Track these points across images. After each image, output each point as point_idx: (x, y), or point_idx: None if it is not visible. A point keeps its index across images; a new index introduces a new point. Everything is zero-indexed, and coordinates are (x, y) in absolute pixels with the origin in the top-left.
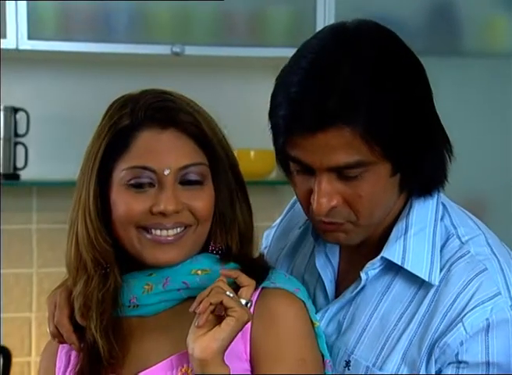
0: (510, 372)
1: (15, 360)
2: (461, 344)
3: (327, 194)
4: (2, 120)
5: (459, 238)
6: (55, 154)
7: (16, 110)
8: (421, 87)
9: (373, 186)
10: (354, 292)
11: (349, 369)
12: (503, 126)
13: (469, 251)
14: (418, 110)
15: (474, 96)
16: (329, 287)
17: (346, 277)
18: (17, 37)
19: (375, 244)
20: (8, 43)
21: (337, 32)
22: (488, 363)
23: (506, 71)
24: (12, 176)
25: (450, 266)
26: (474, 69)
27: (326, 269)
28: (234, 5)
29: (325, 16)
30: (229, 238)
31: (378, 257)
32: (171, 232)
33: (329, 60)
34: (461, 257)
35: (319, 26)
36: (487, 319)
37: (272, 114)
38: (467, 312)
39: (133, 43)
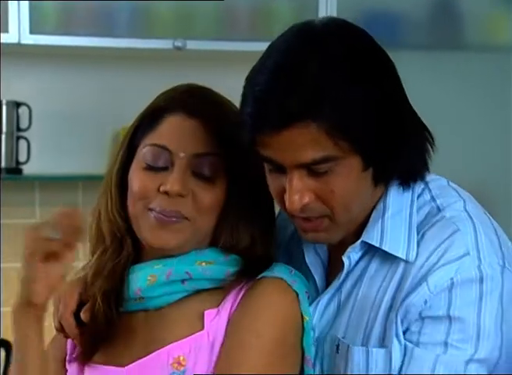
0: (471, 328)
1: None
2: (425, 302)
3: (298, 191)
4: (4, 115)
5: (438, 209)
6: (58, 148)
7: (18, 105)
8: (388, 82)
9: (344, 181)
10: (341, 279)
11: (338, 353)
12: (503, 118)
13: (444, 216)
14: (386, 105)
15: (474, 89)
16: (319, 281)
17: (334, 269)
18: (19, 31)
19: (358, 232)
20: (11, 37)
21: (304, 30)
22: (449, 317)
23: (506, 65)
24: (15, 170)
25: (424, 232)
26: (475, 63)
27: (316, 264)
28: None
29: (327, 11)
30: (236, 234)
31: (359, 241)
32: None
33: (294, 58)
34: (435, 222)
35: None
36: (451, 278)
37: (240, 113)
38: (433, 272)
39: (134, 37)
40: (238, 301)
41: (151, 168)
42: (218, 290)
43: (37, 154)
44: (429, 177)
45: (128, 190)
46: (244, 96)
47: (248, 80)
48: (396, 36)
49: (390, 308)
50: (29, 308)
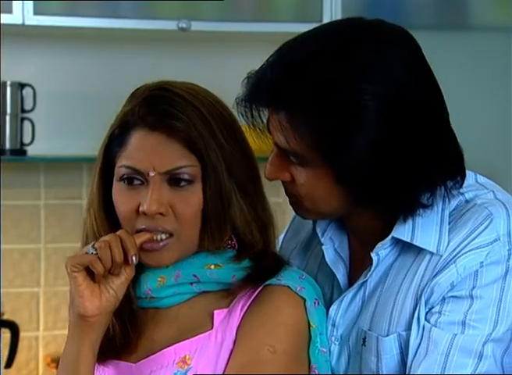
0: (491, 307)
1: (23, 335)
2: (452, 284)
3: (274, 165)
4: (9, 96)
5: (466, 201)
6: (62, 129)
7: (22, 86)
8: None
9: (311, 182)
10: (368, 275)
11: (365, 346)
12: (509, 99)
13: (475, 204)
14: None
15: (479, 70)
16: (342, 279)
17: (358, 266)
18: (23, 12)
19: (383, 230)
20: (14, 18)
21: (318, 29)
22: (471, 296)
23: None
24: (19, 152)
25: (456, 221)
26: (480, 44)
27: (337, 263)
28: None
29: None
30: (219, 241)
31: (389, 237)
32: (157, 236)
33: (295, 53)
34: (467, 211)
35: (326, 2)
36: (481, 262)
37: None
38: (462, 255)
39: (139, 18)
40: (247, 305)
41: (128, 185)
42: (227, 291)
43: (41, 135)
44: None
45: (114, 207)
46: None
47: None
48: (402, 16)
49: (419, 291)
50: (81, 321)
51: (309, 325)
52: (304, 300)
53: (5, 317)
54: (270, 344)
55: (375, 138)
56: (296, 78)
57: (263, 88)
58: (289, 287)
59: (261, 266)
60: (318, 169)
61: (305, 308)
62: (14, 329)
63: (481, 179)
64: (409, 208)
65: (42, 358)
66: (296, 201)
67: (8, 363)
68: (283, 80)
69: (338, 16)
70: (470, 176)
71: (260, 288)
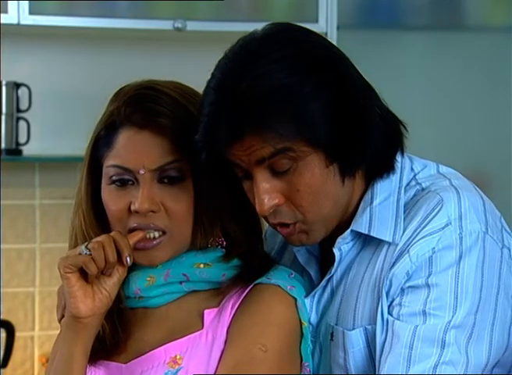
0: (448, 293)
1: (18, 334)
2: (407, 273)
3: (266, 192)
4: (4, 96)
5: (422, 189)
6: (58, 129)
7: (17, 85)
8: (339, 78)
9: (309, 178)
10: (333, 271)
11: (333, 341)
12: (504, 100)
13: (429, 191)
14: (339, 100)
15: (474, 70)
16: (315, 276)
17: (328, 261)
18: (18, 12)
19: (348, 225)
20: (10, 18)
21: (240, 44)
22: (428, 285)
23: (506, 46)
24: (15, 151)
25: (410, 209)
26: (475, 44)
27: (310, 261)
28: None
29: None
30: (210, 238)
31: (348, 230)
32: (150, 234)
33: (233, 74)
34: (421, 198)
35: (321, 2)
36: (433, 248)
37: (195, 137)
38: (415, 242)
39: (135, 18)
40: (238, 304)
41: (117, 183)
42: (217, 290)
43: (36, 135)
44: (417, 166)
45: (103, 207)
46: (197, 120)
47: (199, 104)
48: (397, 17)
49: (380, 283)
50: (74, 322)
51: (301, 323)
52: (295, 299)
53: (1, 317)
54: (262, 343)
55: (332, 108)
56: (256, 94)
57: (226, 128)
58: (279, 286)
59: (251, 265)
60: (308, 160)
61: (296, 307)
62: (9, 329)
63: (444, 169)
64: (386, 163)
65: (37, 358)
66: (302, 229)
67: (4, 363)
68: (247, 106)
69: (334, 16)
70: (432, 167)
71: (250, 287)
